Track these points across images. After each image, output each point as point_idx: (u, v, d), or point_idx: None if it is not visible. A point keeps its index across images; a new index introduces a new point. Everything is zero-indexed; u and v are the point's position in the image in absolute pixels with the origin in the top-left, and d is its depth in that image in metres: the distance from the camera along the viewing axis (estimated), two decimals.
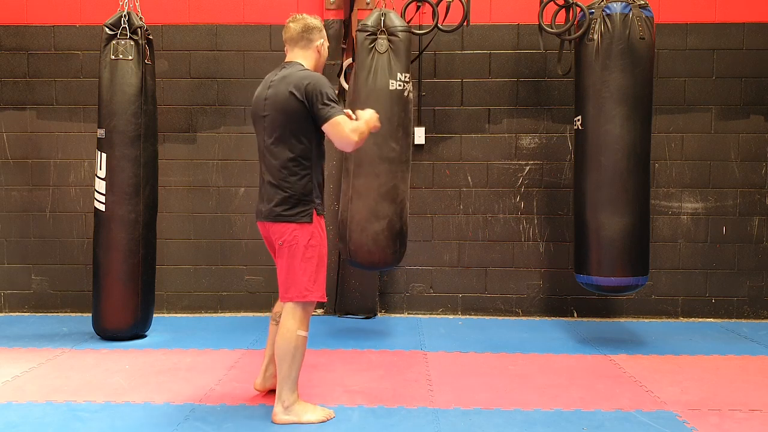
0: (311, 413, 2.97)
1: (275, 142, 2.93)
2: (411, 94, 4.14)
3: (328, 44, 3.15)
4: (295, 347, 2.90)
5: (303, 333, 2.93)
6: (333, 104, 2.86)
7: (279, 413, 2.93)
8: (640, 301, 5.00)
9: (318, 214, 2.95)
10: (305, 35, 3.04)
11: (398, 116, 4.03)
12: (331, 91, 2.90)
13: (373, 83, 3.99)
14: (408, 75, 4.09)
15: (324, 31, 3.11)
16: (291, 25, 3.06)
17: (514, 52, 5.00)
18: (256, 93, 3.10)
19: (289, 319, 2.92)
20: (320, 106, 2.85)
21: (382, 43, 4.01)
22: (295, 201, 2.91)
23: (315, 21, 3.08)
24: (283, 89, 2.90)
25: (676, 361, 3.92)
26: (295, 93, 2.87)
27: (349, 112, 3.00)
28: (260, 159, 3.04)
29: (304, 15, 3.10)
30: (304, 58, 3.04)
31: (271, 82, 3.00)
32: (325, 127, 2.87)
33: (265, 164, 2.98)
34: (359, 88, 4.03)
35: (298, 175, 2.91)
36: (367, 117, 2.97)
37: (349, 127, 2.85)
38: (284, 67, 3.03)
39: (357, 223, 4.01)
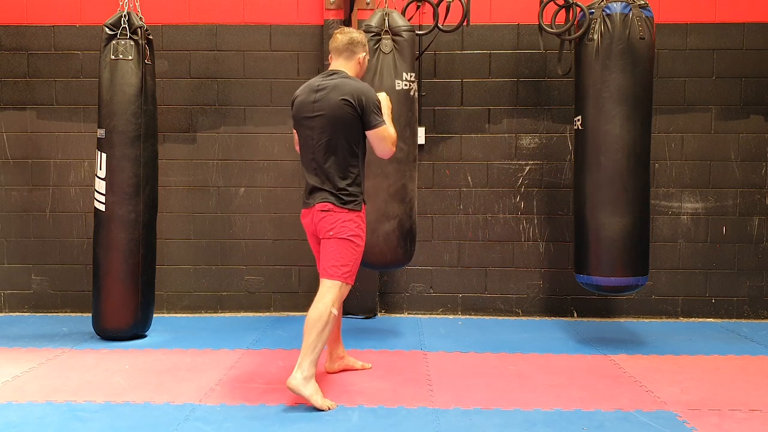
0: (319, 397, 3.10)
1: (326, 143, 3.21)
2: (416, 93, 4.14)
3: (368, 57, 3.48)
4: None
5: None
6: (382, 115, 3.22)
7: (296, 379, 3.06)
8: (640, 301, 5.00)
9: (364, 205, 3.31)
10: (350, 47, 3.34)
11: (405, 116, 4.02)
12: (379, 104, 3.23)
13: (379, 84, 3.98)
14: (413, 74, 4.08)
15: (367, 45, 3.43)
16: (338, 36, 3.37)
17: (514, 52, 5.00)
18: (299, 96, 3.35)
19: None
20: (372, 116, 3.18)
21: (387, 43, 4.01)
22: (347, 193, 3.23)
23: (359, 36, 3.39)
24: (336, 96, 3.18)
25: (676, 361, 3.92)
26: (350, 101, 3.16)
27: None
28: (308, 155, 3.28)
29: (352, 29, 3.42)
30: (348, 68, 3.35)
31: (319, 86, 3.26)
32: (372, 133, 3.20)
33: (316, 161, 3.24)
34: None
35: (348, 170, 3.22)
36: (388, 111, 3.31)
37: (392, 140, 3.23)
38: (332, 75, 3.30)
39: (367, 224, 3.97)
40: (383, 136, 3.20)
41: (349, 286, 3.27)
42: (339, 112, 3.17)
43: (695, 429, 2.91)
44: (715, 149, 4.97)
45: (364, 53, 3.39)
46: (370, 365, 3.74)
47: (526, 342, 4.32)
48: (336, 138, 3.19)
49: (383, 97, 3.34)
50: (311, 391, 3.08)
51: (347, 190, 3.20)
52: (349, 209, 3.20)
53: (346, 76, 3.29)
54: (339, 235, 3.19)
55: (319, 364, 3.46)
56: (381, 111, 3.22)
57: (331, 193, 3.19)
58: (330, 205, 3.19)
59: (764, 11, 4.91)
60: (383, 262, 4.08)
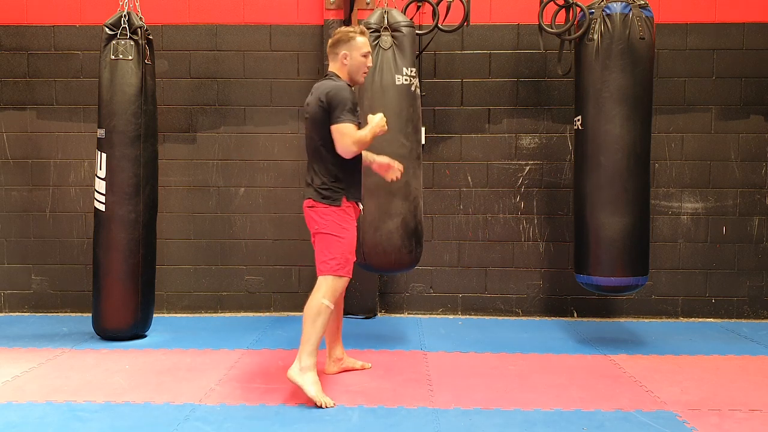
0: (315, 388, 3.18)
1: (311, 142, 3.37)
2: (418, 90, 4.10)
3: (365, 51, 3.38)
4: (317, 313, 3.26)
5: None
6: (347, 113, 3.21)
7: (293, 369, 3.21)
8: (640, 301, 5.00)
9: (349, 200, 3.34)
10: (332, 49, 3.42)
11: (407, 111, 3.99)
12: (351, 103, 3.23)
13: (379, 79, 3.96)
14: (414, 70, 4.06)
15: (353, 41, 3.38)
16: (329, 40, 3.47)
17: (514, 52, 5.00)
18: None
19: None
20: (336, 112, 3.22)
21: (386, 39, 4.00)
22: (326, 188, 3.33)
23: (342, 34, 3.40)
24: (315, 98, 3.31)
25: (676, 361, 3.92)
26: (322, 100, 3.25)
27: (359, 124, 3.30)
28: (307, 153, 3.45)
29: (342, 28, 3.46)
30: (335, 69, 3.41)
31: (312, 90, 3.42)
32: (332, 129, 3.23)
33: (308, 159, 3.42)
34: (365, 85, 4.00)
35: (327, 168, 3.31)
36: (374, 124, 3.30)
37: (351, 139, 3.20)
38: (324, 78, 3.45)
39: (369, 223, 3.93)
40: (342, 132, 3.21)
41: (344, 279, 3.32)
42: (317, 113, 3.29)
43: (695, 429, 2.92)
44: (715, 149, 4.97)
45: (345, 50, 3.36)
46: (370, 365, 3.74)
47: (526, 342, 4.32)
48: (316, 136, 3.31)
49: (376, 116, 3.32)
50: (303, 381, 3.17)
51: (326, 185, 3.30)
52: (327, 204, 3.30)
53: (331, 77, 3.38)
54: (322, 230, 3.31)
55: (319, 365, 3.48)
56: (348, 109, 3.21)
57: (315, 189, 3.32)
58: (312, 201, 3.34)
59: (764, 11, 4.91)
60: (387, 262, 3.98)
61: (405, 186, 3.95)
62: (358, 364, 3.72)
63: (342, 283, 3.32)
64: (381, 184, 3.95)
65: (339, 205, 3.30)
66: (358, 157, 3.37)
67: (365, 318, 4.96)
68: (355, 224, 3.40)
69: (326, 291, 3.26)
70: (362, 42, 3.38)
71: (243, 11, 5.03)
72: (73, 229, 5.08)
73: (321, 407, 3.11)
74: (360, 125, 3.30)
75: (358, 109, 3.34)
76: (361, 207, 3.47)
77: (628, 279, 4.01)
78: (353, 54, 3.37)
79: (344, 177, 3.33)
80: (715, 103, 4.95)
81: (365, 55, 3.40)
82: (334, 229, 3.29)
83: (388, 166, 3.59)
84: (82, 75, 5.03)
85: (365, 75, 3.46)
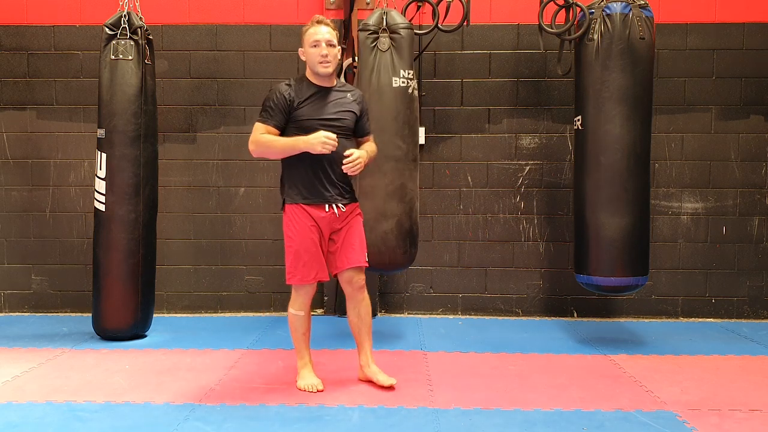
0: (302, 380, 3.40)
1: None
2: (416, 92, 4.10)
3: (312, 41, 3.27)
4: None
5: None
6: (261, 113, 3.31)
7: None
8: (640, 301, 5.00)
9: (292, 203, 3.32)
10: None
11: (403, 114, 4.00)
12: (266, 104, 3.29)
13: (376, 81, 3.97)
14: (412, 72, 4.06)
15: (304, 35, 3.33)
16: None
17: (514, 52, 5.00)
18: None
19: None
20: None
21: (384, 41, 4.01)
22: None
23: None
24: None
25: (676, 361, 3.92)
26: None
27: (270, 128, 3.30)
28: None
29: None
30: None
31: None
32: None
33: None
34: (363, 86, 4.01)
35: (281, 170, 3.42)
36: (308, 137, 3.17)
37: (251, 137, 3.33)
38: None
39: (365, 223, 3.95)
40: (252, 130, 3.33)
41: (302, 287, 3.37)
42: None
43: (695, 429, 2.92)
44: (715, 149, 4.97)
45: (301, 47, 3.34)
46: (395, 381, 3.39)
47: (526, 342, 4.32)
48: None
49: (316, 134, 3.15)
50: (297, 380, 3.41)
51: (281, 191, 3.38)
52: (282, 210, 3.37)
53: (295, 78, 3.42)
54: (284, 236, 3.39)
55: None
56: (263, 108, 3.29)
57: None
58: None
59: (764, 11, 4.91)
60: (382, 263, 4.01)
61: (401, 188, 3.98)
62: (382, 378, 3.39)
63: (302, 291, 3.38)
64: (377, 185, 3.97)
65: (283, 211, 3.36)
66: (306, 159, 3.22)
67: None
68: (308, 228, 3.26)
69: (291, 302, 3.43)
70: (311, 32, 3.27)
71: (243, 11, 5.03)
72: (73, 229, 5.08)
73: (309, 391, 3.31)
74: (290, 130, 3.27)
75: (299, 108, 3.24)
76: (329, 209, 3.29)
77: (628, 279, 4.01)
78: (305, 48, 3.30)
79: (287, 180, 3.34)
80: (715, 103, 4.95)
81: (314, 45, 3.24)
82: (285, 238, 3.36)
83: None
84: (82, 75, 5.03)
85: (324, 65, 3.24)
